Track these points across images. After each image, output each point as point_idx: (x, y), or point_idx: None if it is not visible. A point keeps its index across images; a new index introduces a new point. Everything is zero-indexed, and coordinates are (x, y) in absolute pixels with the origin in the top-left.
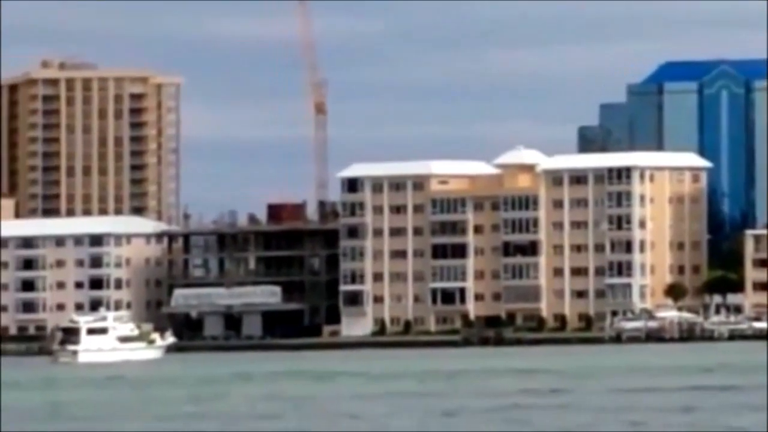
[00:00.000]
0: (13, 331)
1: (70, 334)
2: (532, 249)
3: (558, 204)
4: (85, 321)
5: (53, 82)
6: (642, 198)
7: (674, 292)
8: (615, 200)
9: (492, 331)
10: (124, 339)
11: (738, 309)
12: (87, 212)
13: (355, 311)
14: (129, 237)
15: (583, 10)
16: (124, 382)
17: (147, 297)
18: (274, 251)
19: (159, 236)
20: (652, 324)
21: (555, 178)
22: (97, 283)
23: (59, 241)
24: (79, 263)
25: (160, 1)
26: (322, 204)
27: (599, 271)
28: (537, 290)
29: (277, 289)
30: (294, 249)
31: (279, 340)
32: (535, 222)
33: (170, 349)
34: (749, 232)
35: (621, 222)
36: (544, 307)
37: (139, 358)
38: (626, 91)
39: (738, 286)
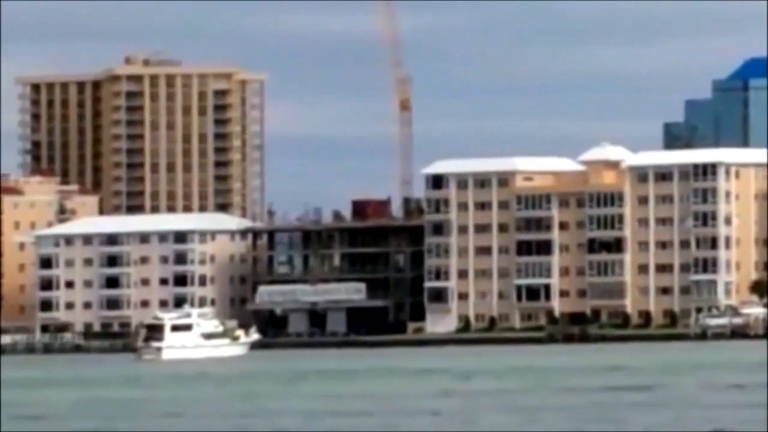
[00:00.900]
0: (97, 328)
1: (154, 331)
2: (617, 246)
3: (643, 201)
4: (169, 318)
5: (137, 79)
6: (727, 194)
7: (759, 288)
8: (700, 197)
9: (577, 328)
10: (209, 336)
11: None
12: (171, 209)
13: (439, 308)
14: (213, 234)
15: (668, 6)
16: (207, 379)
17: (231, 294)
18: (359, 248)
19: (243, 233)
20: (737, 320)
21: (640, 174)
22: (181, 280)
23: (143, 238)
24: (164, 260)
25: None
26: (406, 200)
27: (684, 268)
28: (622, 287)
29: (362, 285)
30: (379, 246)
31: (363, 337)
32: (620, 219)
33: (254, 345)
34: None
35: (706, 218)
36: (629, 304)
37: (223, 355)
38: (711, 87)
39: None
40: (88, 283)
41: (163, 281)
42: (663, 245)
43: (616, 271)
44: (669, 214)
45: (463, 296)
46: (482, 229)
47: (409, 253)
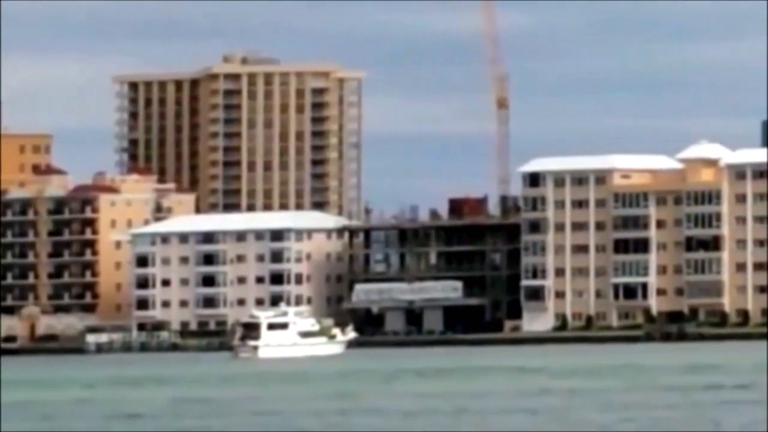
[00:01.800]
0: (193, 326)
1: (251, 329)
2: (714, 244)
3: (741, 198)
4: (265, 316)
5: (235, 77)
6: None
7: None
8: None
9: (674, 327)
10: (305, 334)
11: None
12: (268, 207)
13: (536, 306)
14: (310, 232)
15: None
16: (303, 378)
17: (327, 292)
18: (456, 246)
19: (340, 231)
20: None
21: (738, 172)
22: (277, 279)
23: (240, 236)
24: (260, 258)
25: None
26: (503, 199)
27: None
28: (719, 285)
29: (459, 284)
30: (475, 244)
31: (460, 335)
32: (718, 217)
33: (351, 344)
34: None
35: None
36: (727, 303)
37: (319, 353)
38: None
39: None
40: (184, 282)
41: (260, 279)
42: (761, 243)
43: (714, 269)
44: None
45: (559, 294)
46: (579, 227)
47: (505, 251)
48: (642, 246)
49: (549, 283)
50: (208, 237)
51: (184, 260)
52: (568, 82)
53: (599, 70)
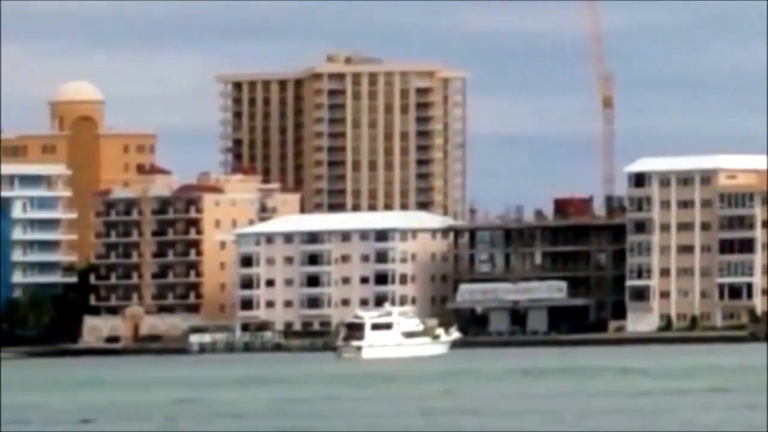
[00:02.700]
0: (297, 326)
1: (355, 329)
2: None
3: None
4: (369, 316)
5: (339, 77)
6: None
7: None
8: None
9: None
10: (409, 335)
11: None
12: (372, 207)
13: (641, 306)
14: (415, 232)
15: None
16: (407, 378)
17: (432, 292)
18: (561, 246)
19: (445, 231)
20: None
21: None
22: (382, 279)
23: (345, 236)
24: (365, 258)
25: None
26: (609, 199)
27: None
28: None
29: (563, 284)
30: (580, 244)
31: (564, 335)
32: None
33: (455, 344)
34: None
35: None
36: None
37: (423, 353)
38: None
39: None
40: (288, 282)
41: (364, 280)
42: None
43: None
44: None
45: (664, 295)
46: (684, 227)
47: (610, 251)
48: (747, 246)
49: (654, 283)
50: (313, 237)
51: (289, 260)
52: (674, 81)
53: (704, 69)
